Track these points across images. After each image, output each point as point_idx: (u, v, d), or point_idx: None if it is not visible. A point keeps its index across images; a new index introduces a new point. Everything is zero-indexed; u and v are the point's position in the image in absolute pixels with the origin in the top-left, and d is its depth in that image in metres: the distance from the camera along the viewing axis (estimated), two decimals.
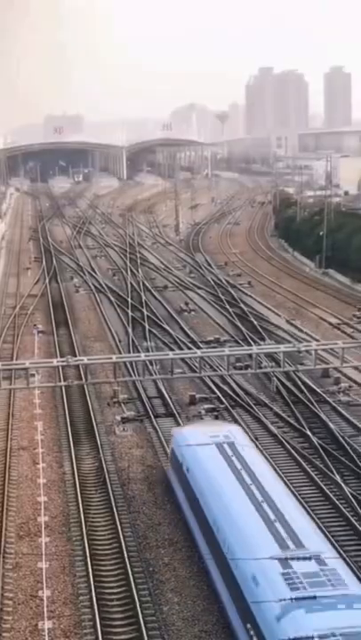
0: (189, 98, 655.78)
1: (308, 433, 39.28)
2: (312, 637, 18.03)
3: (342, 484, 33.82)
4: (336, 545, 27.35)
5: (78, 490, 33.76)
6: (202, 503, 26.46)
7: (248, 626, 20.75)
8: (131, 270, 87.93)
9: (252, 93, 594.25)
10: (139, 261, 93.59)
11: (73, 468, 36.06)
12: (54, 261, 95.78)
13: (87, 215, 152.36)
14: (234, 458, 27.77)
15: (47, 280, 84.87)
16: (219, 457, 27.10)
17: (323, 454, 36.74)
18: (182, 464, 29.87)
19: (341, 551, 27.14)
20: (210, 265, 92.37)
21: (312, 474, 35.12)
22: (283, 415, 42.15)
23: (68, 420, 42.08)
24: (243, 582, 21.64)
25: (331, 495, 33.10)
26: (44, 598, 26.40)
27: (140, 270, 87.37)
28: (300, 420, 40.83)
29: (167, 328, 61.43)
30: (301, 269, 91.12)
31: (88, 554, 28.69)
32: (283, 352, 31.23)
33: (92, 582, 26.91)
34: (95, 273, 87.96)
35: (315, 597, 19.41)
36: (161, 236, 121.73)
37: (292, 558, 21.22)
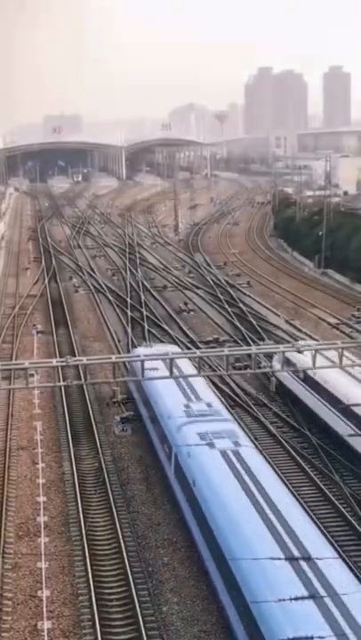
0: (188, 98, 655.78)
1: (308, 433, 39.38)
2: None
3: (341, 485, 33.86)
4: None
5: (78, 490, 33.76)
6: (152, 402, 36.82)
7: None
8: (130, 270, 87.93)
9: (251, 93, 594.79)
10: (138, 261, 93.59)
11: (72, 468, 36.06)
12: (53, 261, 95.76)
13: (86, 215, 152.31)
14: (185, 386, 36.57)
15: (46, 280, 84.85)
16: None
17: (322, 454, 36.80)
18: (142, 390, 40.07)
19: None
20: (209, 265, 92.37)
21: (309, 471, 35.17)
22: (282, 415, 42.34)
23: (67, 420, 42.08)
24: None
25: (331, 496, 33.11)
26: (44, 598, 26.40)
27: (139, 270, 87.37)
28: (300, 421, 40.99)
29: (166, 328, 61.43)
30: (300, 269, 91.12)
31: (87, 554, 28.69)
32: (282, 352, 31.21)
33: (91, 582, 26.91)
34: (94, 273, 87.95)
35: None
36: (160, 236, 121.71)
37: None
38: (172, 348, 45.32)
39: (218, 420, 32.14)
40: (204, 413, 32.64)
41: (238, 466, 27.25)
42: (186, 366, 37.89)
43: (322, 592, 19.65)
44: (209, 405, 33.81)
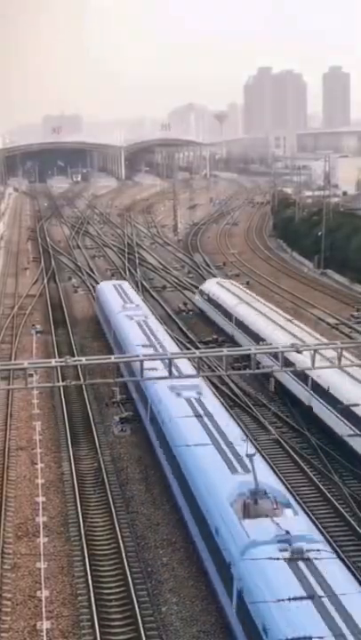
0: (188, 98, 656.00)
1: (307, 433, 39.38)
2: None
3: (340, 485, 33.85)
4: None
5: (77, 490, 33.75)
6: (112, 324, 50.91)
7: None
8: (129, 270, 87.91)
9: (250, 93, 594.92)
10: (137, 262, 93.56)
11: (71, 469, 36.05)
12: (53, 261, 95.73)
13: (85, 215, 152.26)
14: (124, 295, 56.94)
15: (45, 280, 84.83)
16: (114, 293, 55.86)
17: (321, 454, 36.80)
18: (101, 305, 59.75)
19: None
20: (208, 265, 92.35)
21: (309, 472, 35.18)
22: (281, 415, 42.35)
23: (66, 420, 42.07)
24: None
25: (330, 496, 33.10)
26: (43, 598, 26.38)
27: (138, 270, 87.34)
28: (299, 421, 41.00)
29: (165, 328, 61.35)
30: (300, 269, 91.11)
31: (86, 554, 28.67)
32: (281, 352, 31.18)
33: (90, 582, 26.90)
34: (93, 273, 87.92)
35: None
36: (159, 236, 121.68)
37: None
38: (124, 283, 65.53)
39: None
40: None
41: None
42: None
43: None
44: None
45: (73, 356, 49.53)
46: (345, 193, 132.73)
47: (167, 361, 30.61)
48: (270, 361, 40.76)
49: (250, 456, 24.98)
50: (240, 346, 49.77)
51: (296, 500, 27.71)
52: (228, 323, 57.90)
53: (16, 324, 64.60)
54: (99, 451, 37.95)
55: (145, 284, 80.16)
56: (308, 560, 20.49)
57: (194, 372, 34.07)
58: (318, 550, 21.08)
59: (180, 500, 29.93)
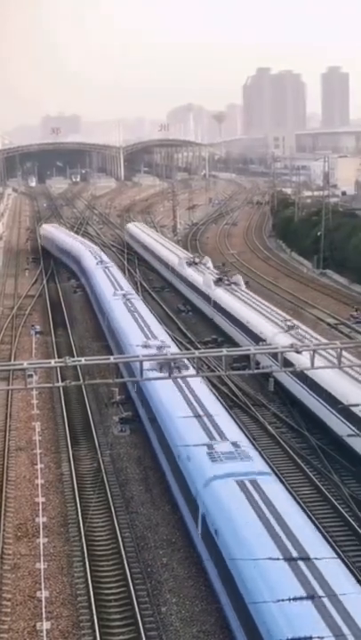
0: (187, 98, 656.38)
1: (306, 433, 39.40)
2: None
3: (340, 485, 33.86)
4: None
5: (76, 490, 33.75)
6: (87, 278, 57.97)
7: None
8: (128, 271, 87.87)
9: (249, 94, 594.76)
10: (136, 262, 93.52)
11: (71, 469, 36.05)
12: (52, 262, 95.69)
13: (85, 216, 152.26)
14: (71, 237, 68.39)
15: (45, 281, 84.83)
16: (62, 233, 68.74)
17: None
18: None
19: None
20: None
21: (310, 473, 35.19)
22: (280, 415, 42.38)
23: (65, 420, 42.07)
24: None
25: (329, 496, 33.12)
26: (43, 599, 26.37)
27: (137, 271, 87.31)
28: (298, 421, 41.02)
29: (165, 328, 61.33)
30: (299, 270, 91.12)
31: (86, 554, 28.67)
32: (280, 352, 31.17)
33: (90, 583, 26.89)
34: None
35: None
36: None
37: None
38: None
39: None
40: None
41: None
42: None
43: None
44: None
45: (72, 356, 49.52)
46: (344, 193, 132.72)
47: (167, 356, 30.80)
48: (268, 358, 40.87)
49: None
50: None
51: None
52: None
53: (15, 324, 64.61)
54: (98, 451, 37.95)
55: (144, 284, 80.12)
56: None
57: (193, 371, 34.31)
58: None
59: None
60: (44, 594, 26.69)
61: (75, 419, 42.86)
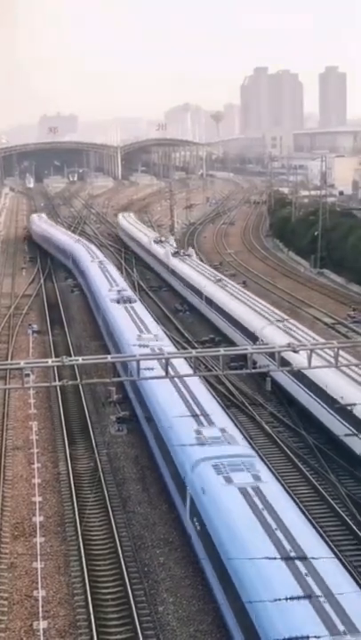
0: (184, 98, 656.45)
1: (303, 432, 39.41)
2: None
3: (337, 484, 33.87)
4: None
5: (73, 490, 33.74)
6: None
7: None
8: (125, 270, 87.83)
9: (247, 93, 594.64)
10: (134, 261, 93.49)
11: (68, 468, 36.04)
12: (49, 261, 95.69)
13: (82, 215, 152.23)
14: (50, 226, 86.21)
15: (42, 280, 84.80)
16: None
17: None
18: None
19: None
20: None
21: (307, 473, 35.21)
22: (278, 415, 42.39)
23: (62, 419, 42.05)
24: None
25: (327, 496, 33.13)
26: (39, 598, 26.36)
27: (134, 270, 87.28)
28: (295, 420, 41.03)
29: (162, 328, 61.33)
30: (296, 269, 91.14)
31: (83, 554, 28.66)
32: (278, 352, 31.16)
33: (87, 582, 26.88)
34: None
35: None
36: None
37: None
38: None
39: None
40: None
41: None
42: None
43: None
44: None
45: (69, 355, 49.51)
46: (341, 193, 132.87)
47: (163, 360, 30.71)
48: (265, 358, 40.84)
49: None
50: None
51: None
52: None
53: (13, 323, 64.58)
54: (95, 450, 37.93)
55: (142, 283, 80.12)
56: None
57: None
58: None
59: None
60: (40, 593, 26.67)
61: (72, 418, 42.84)
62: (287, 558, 20.86)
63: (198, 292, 65.43)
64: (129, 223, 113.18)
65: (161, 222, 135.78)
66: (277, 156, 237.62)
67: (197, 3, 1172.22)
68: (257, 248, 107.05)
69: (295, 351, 31.28)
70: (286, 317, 51.05)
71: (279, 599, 19.39)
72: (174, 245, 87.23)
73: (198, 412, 32.09)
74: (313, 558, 20.87)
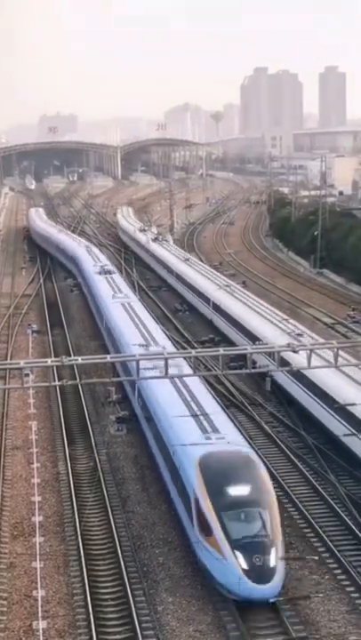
0: (184, 98, 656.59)
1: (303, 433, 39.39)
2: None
3: (337, 484, 33.85)
4: None
5: (73, 489, 33.73)
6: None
7: None
8: (125, 270, 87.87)
9: (246, 93, 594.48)
10: (133, 261, 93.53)
11: (67, 468, 36.03)
12: (49, 261, 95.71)
13: (82, 215, 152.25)
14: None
15: (42, 280, 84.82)
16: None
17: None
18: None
19: None
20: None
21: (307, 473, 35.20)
22: (277, 415, 42.38)
23: (62, 419, 42.04)
24: None
25: (326, 495, 33.12)
26: (39, 598, 26.34)
27: (134, 270, 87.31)
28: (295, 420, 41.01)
29: (162, 328, 61.32)
30: (296, 269, 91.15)
31: (82, 554, 28.65)
32: (277, 352, 31.15)
33: (86, 582, 26.87)
34: None
35: None
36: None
37: None
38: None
39: None
40: None
41: None
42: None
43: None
44: None
45: (69, 355, 49.52)
46: (341, 193, 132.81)
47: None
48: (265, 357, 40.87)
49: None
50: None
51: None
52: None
53: (12, 323, 64.58)
54: (95, 450, 37.92)
55: (141, 283, 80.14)
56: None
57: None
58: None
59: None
60: (40, 593, 26.66)
61: (71, 418, 42.83)
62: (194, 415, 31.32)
63: (170, 270, 78.93)
64: (122, 216, 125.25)
65: (161, 222, 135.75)
66: (277, 156, 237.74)
67: (197, 3, 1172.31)
68: (257, 248, 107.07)
69: (295, 351, 31.28)
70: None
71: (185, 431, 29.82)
72: (155, 232, 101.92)
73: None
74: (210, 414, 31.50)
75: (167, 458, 31.12)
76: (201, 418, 31.39)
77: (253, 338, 46.39)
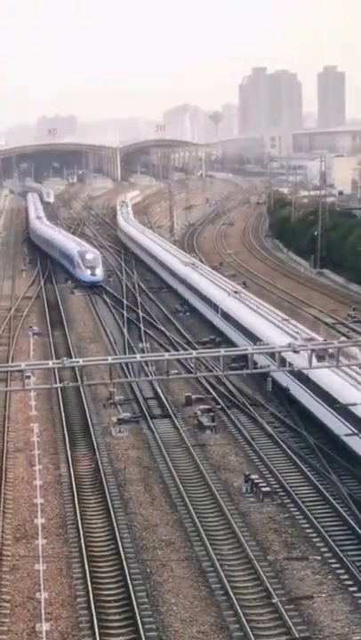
0: (182, 98, 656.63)
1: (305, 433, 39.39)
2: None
3: (338, 484, 33.86)
4: None
5: (75, 491, 33.73)
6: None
7: None
8: (126, 271, 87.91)
9: (245, 93, 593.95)
10: (133, 263, 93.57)
11: (69, 470, 36.04)
12: (49, 263, 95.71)
13: (82, 216, 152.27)
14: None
15: (42, 282, 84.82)
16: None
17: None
18: None
19: None
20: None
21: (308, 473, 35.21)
22: (278, 415, 42.38)
23: (64, 421, 42.06)
24: None
25: (328, 495, 33.13)
26: (42, 600, 26.35)
27: (135, 271, 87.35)
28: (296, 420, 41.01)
29: (162, 329, 61.42)
30: (296, 269, 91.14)
31: (85, 555, 28.65)
32: (278, 352, 31.21)
33: (89, 584, 26.88)
34: None
35: None
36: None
37: None
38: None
39: None
40: None
41: None
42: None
43: None
44: None
45: (70, 357, 49.54)
46: (341, 192, 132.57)
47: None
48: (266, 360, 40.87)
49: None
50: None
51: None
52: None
53: (13, 325, 64.58)
54: (97, 452, 37.93)
55: (142, 284, 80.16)
56: None
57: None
58: None
59: None
60: (43, 595, 26.67)
61: (73, 419, 42.84)
62: None
63: (141, 247, 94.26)
64: (120, 214, 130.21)
65: (161, 223, 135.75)
66: (276, 157, 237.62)
67: (197, 3, 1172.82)
68: (257, 248, 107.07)
69: (296, 351, 31.33)
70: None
71: None
72: (138, 223, 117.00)
73: None
74: None
75: None
76: None
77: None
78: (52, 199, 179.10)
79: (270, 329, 47.29)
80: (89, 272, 79.64)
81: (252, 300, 56.64)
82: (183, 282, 71.93)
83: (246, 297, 57.63)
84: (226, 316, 56.10)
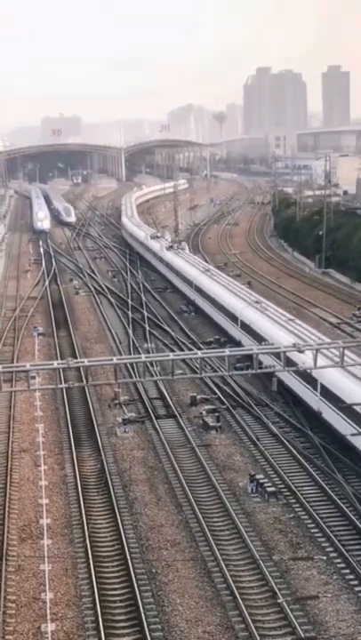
0: (187, 99, 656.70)
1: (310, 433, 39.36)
2: None
3: (343, 483, 33.83)
4: None
5: (80, 492, 33.75)
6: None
7: None
8: (130, 272, 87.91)
9: (249, 94, 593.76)
10: (138, 263, 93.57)
11: (74, 470, 36.05)
12: (54, 263, 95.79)
13: (86, 217, 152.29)
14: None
15: (47, 282, 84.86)
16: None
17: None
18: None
19: None
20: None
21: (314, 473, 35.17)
22: (284, 415, 42.34)
23: (69, 422, 42.07)
24: None
25: (333, 495, 33.09)
26: (47, 600, 26.37)
27: (139, 272, 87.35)
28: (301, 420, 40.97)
29: (167, 329, 61.41)
30: (301, 269, 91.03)
31: (90, 556, 28.66)
32: (283, 352, 31.17)
33: (94, 584, 26.88)
34: (95, 274, 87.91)
35: None
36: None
37: None
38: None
39: None
40: None
41: None
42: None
43: None
44: None
45: (75, 357, 49.56)
46: (346, 192, 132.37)
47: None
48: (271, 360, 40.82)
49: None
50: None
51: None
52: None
53: (18, 326, 64.61)
54: (102, 452, 37.94)
55: (147, 285, 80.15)
56: None
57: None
58: None
59: None
60: (48, 595, 26.69)
61: (78, 420, 42.86)
62: None
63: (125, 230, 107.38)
64: (124, 215, 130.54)
65: (165, 224, 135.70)
66: (281, 156, 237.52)
67: (199, 3, 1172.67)
68: (262, 248, 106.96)
69: (301, 351, 31.28)
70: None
71: None
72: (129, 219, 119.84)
73: None
74: None
75: None
76: None
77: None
78: (72, 218, 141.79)
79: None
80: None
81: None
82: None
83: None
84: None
